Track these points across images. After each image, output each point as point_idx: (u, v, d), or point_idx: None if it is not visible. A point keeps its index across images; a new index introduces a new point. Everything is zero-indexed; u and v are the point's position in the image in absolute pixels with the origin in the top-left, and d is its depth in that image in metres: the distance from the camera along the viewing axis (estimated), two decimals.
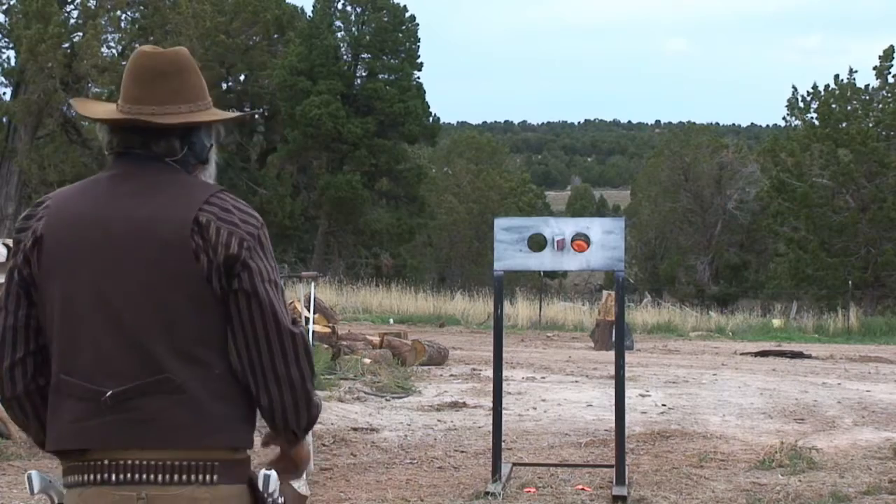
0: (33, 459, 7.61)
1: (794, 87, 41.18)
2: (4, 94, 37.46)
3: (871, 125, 39.11)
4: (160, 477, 2.22)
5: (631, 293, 40.61)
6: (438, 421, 10.46)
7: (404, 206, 43.48)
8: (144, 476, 2.22)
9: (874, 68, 39.87)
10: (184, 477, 2.23)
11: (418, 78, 43.24)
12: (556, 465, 8.32)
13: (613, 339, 9.70)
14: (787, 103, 41.34)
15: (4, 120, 36.61)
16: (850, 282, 32.90)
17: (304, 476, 2.70)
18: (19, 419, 2.39)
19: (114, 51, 36.52)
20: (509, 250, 7.51)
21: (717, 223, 51.03)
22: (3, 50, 37.87)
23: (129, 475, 2.22)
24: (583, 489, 7.45)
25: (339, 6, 43.58)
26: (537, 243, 7.60)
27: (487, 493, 7.14)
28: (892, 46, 39.82)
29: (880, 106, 39.98)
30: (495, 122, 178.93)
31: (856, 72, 40.12)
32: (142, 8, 37.58)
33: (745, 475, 8.02)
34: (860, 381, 14.87)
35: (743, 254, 50.72)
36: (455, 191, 54.40)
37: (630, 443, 8.87)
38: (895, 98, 39.75)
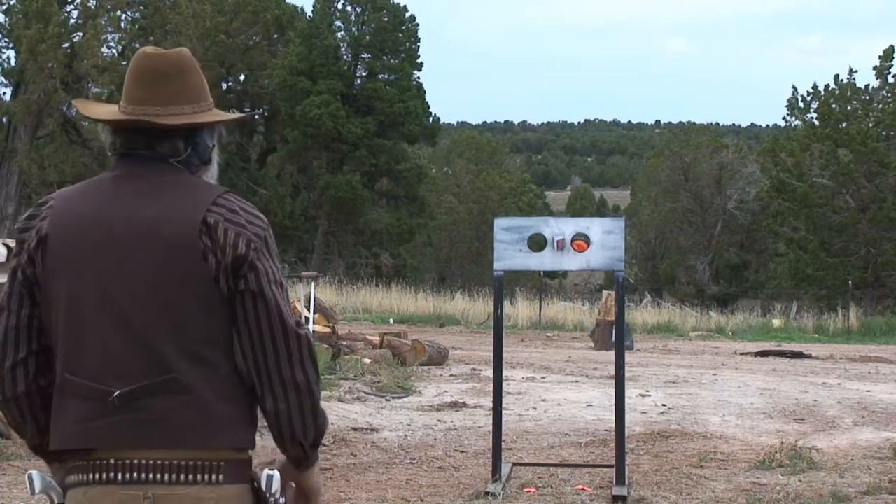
0: (33, 459, 7.60)
1: (794, 87, 41.26)
2: (4, 94, 37.50)
3: (871, 125, 39.11)
4: (166, 476, 2.23)
5: (631, 293, 40.61)
6: (438, 421, 10.45)
7: (404, 206, 43.48)
8: (151, 475, 2.23)
9: (874, 68, 39.88)
10: (190, 476, 2.23)
11: (418, 78, 43.27)
12: (556, 465, 8.32)
13: (613, 339, 9.70)
14: (787, 103, 41.39)
15: (4, 120, 36.61)
16: (850, 282, 32.90)
17: None
18: (16, 421, 2.37)
19: (114, 51, 36.54)
20: (509, 250, 7.51)
21: (717, 223, 51.04)
22: (3, 50, 37.90)
23: (135, 474, 2.23)
24: (583, 489, 7.45)
25: (339, 6, 43.60)
26: (537, 243, 7.60)
27: (487, 493, 7.14)
28: (892, 46, 39.83)
29: (880, 106, 39.98)
30: (495, 122, 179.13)
31: (856, 72, 40.18)
32: (142, 8, 37.58)
33: (745, 475, 8.01)
34: (860, 381, 14.87)
35: (743, 254, 50.73)
36: (455, 191, 54.40)
37: (630, 443, 8.87)
38: (895, 98, 39.75)
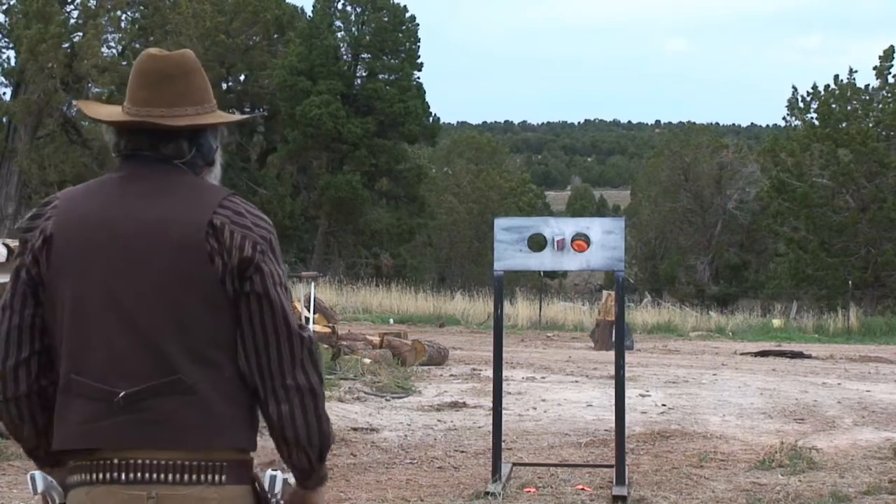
0: None
1: (794, 87, 41.27)
2: (4, 94, 37.50)
3: (871, 125, 39.12)
4: (170, 476, 2.23)
5: (631, 293, 40.61)
6: (438, 421, 10.46)
7: (404, 206, 43.48)
8: (154, 475, 2.23)
9: (874, 68, 39.89)
10: (193, 477, 2.24)
11: (418, 78, 43.27)
12: (556, 465, 8.32)
13: (613, 339, 9.70)
14: (787, 103, 41.40)
15: (4, 120, 36.61)
16: (850, 282, 32.90)
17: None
18: (14, 421, 2.36)
19: (114, 51, 36.54)
20: (509, 250, 7.51)
21: (717, 223, 51.04)
22: (3, 50, 37.91)
23: (139, 474, 2.23)
24: (583, 489, 7.45)
25: (339, 6, 43.60)
26: (537, 243, 7.60)
27: (487, 493, 7.14)
28: (892, 46, 39.84)
29: (880, 106, 39.99)
30: (495, 122, 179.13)
31: (856, 72, 40.19)
32: (142, 8, 37.60)
33: (745, 475, 8.02)
34: (860, 381, 14.87)
35: (743, 254, 50.73)
36: (455, 191, 54.41)
37: (630, 443, 8.87)
38: (895, 98, 39.76)
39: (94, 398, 2.25)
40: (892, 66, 39.63)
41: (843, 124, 39.09)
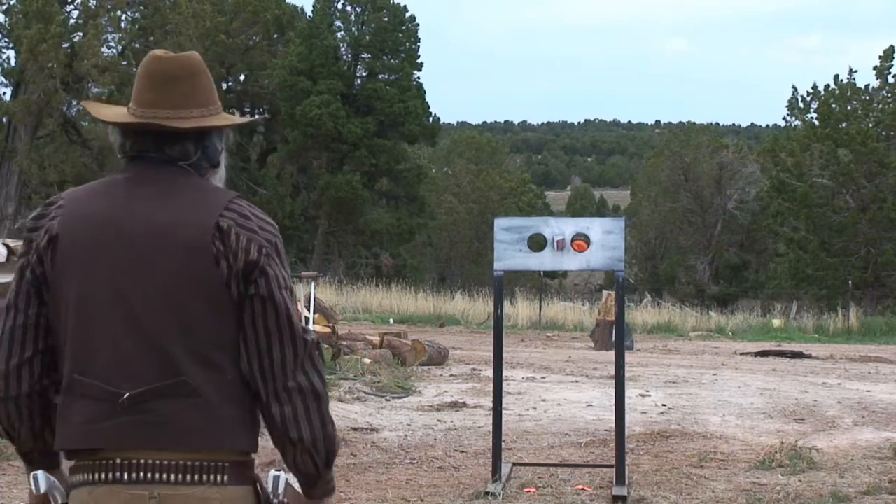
0: None
1: (794, 87, 41.27)
2: (4, 94, 37.48)
3: (871, 125, 39.12)
4: (172, 476, 2.24)
5: (631, 293, 40.62)
6: (438, 421, 10.46)
7: (404, 206, 43.49)
8: (157, 475, 2.24)
9: (874, 68, 39.90)
10: (195, 477, 2.25)
11: (418, 78, 43.28)
12: (556, 465, 8.32)
13: (613, 339, 9.70)
14: (787, 103, 41.41)
15: (4, 120, 36.60)
16: (850, 282, 32.90)
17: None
18: (11, 421, 2.36)
19: (114, 51, 36.53)
20: (509, 250, 7.51)
21: (717, 223, 51.04)
22: (3, 50, 37.90)
23: (141, 474, 2.24)
24: (583, 489, 7.45)
25: (339, 6, 43.60)
26: (537, 243, 7.60)
27: (487, 493, 7.14)
28: (892, 46, 39.84)
29: (880, 106, 39.99)
30: (495, 122, 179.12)
31: (856, 72, 40.19)
32: (142, 8, 37.59)
33: (745, 475, 8.02)
34: (860, 381, 14.87)
35: (743, 254, 50.73)
36: (455, 191, 54.40)
37: (630, 443, 8.87)
38: (895, 98, 39.76)
39: (98, 399, 2.25)
40: (892, 66, 39.64)
41: (843, 124, 39.09)
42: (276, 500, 2.34)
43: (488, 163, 58.19)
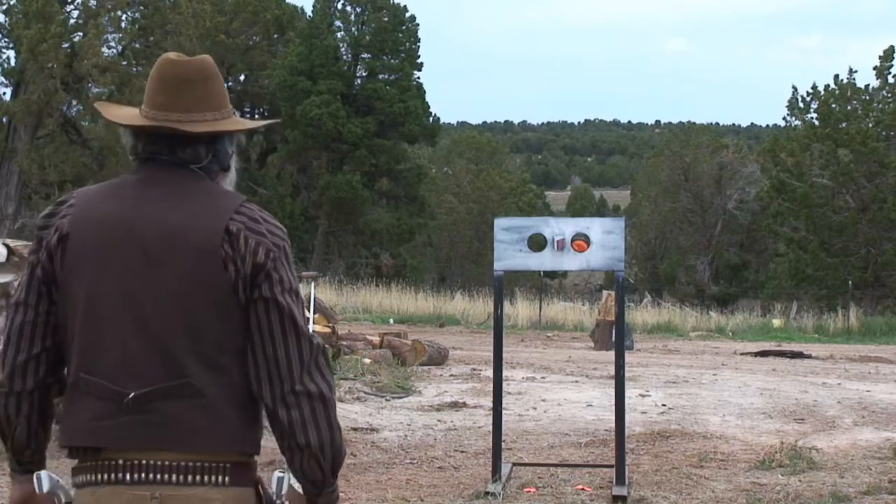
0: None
1: (794, 87, 41.27)
2: (4, 94, 37.46)
3: (871, 125, 39.12)
4: (174, 477, 2.24)
5: (631, 293, 40.62)
6: (438, 421, 10.46)
7: (404, 206, 43.49)
8: (159, 476, 2.25)
9: (874, 68, 39.90)
10: (197, 478, 2.25)
11: (418, 78, 43.29)
12: (556, 465, 8.32)
13: (613, 339, 9.71)
14: (787, 103, 41.41)
15: (4, 120, 36.58)
16: (850, 282, 32.91)
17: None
18: (9, 417, 2.36)
19: (114, 51, 36.53)
20: (509, 250, 7.51)
21: (717, 223, 51.05)
22: (3, 50, 37.87)
23: (143, 475, 2.25)
24: (583, 489, 7.45)
25: (339, 6, 43.61)
26: (537, 243, 7.60)
27: (487, 493, 7.14)
28: (892, 46, 39.84)
29: (880, 106, 39.99)
30: (495, 122, 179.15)
31: (856, 72, 40.20)
32: (142, 8, 37.57)
33: (745, 475, 8.02)
34: (860, 381, 14.87)
35: (743, 254, 50.73)
36: (455, 191, 54.40)
37: (630, 443, 8.87)
38: (895, 98, 39.76)
39: (104, 398, 2.26)
40: (892, 66, 39.64)
41: (843, 124, 39.09)
42: (278, 502, 2.34)
43: (488, 163, 58.19)
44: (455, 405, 11.43)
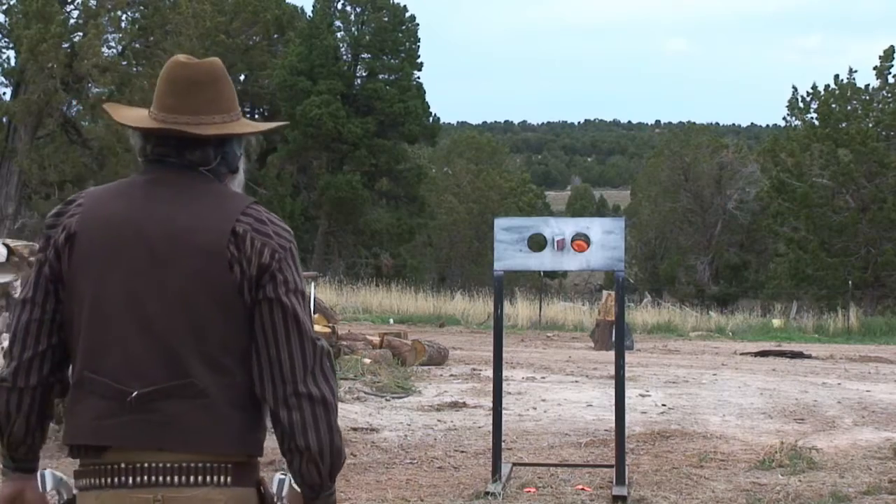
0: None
1: (794, 87, 41.25)
2: (4, 94, 37.44)
3: (871, 125, 39.11)
4: (176, 478, 2.25)
5: (631, 293, 40.61)
6: (438, 421, 10.46)
7: (404, 206, 43.49)
8: (161, 478, 2.25)
9: (874, 68, 39.89)
10: (199, 478, 2.26)
11: (418, 78, 43.29)
12: (556, 465, 8.32)
13: (613, 339, 9.70)
14: (787, 103, 41.38)
15: (4, 120, 36.57)
16: (850, 282, 32.91)
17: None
18: (10, 413, 2.37)
19: (114, 51, 36.52)
20: (509, 250, 7.51)
21: (717, 223, 51.04)
22: (3, 50, 37.85)
23: (145, 477, 2.25)
24: (583, 489, 7.45)
25: (339, 6, 43.61)
26: (537, 243, 7.60)
27: (487, 493, 7.14)
28: (892, 47, 39.83)
29: (880, 106, 39.98)
30: (495, 122, 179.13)
31: (856, 72, 40.18)
32: (142, 8, 37.56)
33: (745, 475, 8.02)
34: (860, 381, 14.86)
35: (743, 254, 50.72)
36: (455, 191, 54.40)
37: (630, 443, 8.87)
38: (895, 98, 39.75)
39: (107, 396, 2.27)
40: (892, 66, 39.63)
41: (843, 124, 39.08)
42: (278, 503, 2.34)
43: (488, 163, 58.18)
44: (455, 405, 11.43)
